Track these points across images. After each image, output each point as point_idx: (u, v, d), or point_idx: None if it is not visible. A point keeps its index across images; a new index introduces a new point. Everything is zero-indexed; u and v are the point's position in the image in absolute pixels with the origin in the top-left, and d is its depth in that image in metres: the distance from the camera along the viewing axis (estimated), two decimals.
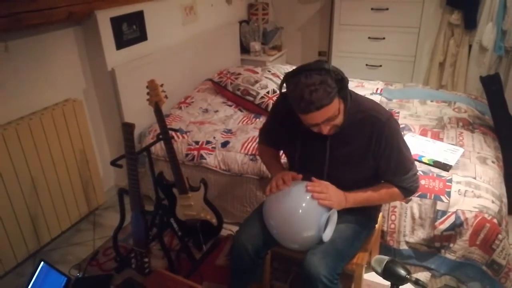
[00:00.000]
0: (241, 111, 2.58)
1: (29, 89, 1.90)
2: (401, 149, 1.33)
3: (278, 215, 1.31)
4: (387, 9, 3.19)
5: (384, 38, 3.28)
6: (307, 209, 1.27)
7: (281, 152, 1.66)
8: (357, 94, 1.37)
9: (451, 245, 1.65)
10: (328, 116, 1.21)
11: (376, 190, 1.38)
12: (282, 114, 1.42)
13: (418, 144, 1.97)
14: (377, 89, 2.72)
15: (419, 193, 1.69)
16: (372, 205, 1.46)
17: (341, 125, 1.29)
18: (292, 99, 1.21)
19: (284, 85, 1.27)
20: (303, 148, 1.39)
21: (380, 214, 1.61)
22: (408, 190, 1.37)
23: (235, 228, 2.08)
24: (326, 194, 1.29)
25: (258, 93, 2.52)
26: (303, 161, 1.41)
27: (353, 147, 1.33)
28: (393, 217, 1.74)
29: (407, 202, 1.72)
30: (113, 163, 1.66)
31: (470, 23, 3.13)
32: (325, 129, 1.25)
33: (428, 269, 1.73)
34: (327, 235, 1.31)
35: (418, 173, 1.39)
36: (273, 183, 1.34)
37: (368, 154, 1.32)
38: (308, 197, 1.28)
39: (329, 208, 1.30)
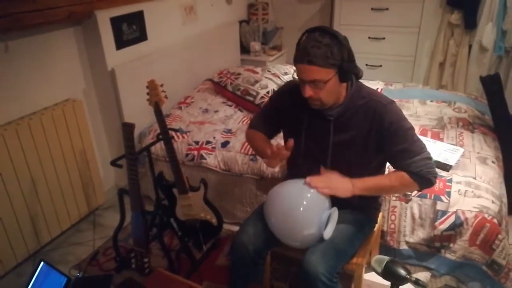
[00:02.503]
0: (241, 111, 2.58)
1: (29, 89, 1.90)
2: (406, 132, 1.29)
3: (279, 213, 1.31)
4: (387, 9, 3.19)
5: (384, 38, 3.27)
6: (308, 207, 1.27)
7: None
8: (361, 83, 1.38)
9: (451, 245, 1.65)
10: (315, 78, 1.22)
11: (386, 176, 1.36)
12: (286, 101, 1.44)
13: None
14: (377, 89, 2.72)
15: (419, 193, 1.69)
16: (384, 193, 1.42)
17: (329, 105, 1.30)
18: (297, 48, 1.26)
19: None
20: (307, 133, 1.39)
21: (380, 214, 1.61)
22: (419, 176, 1.27)
23: (235, 228, 2.08)
24: (325, 183, 1.27)
25: (258, 93, 2.51)
26: (306, 147, 1.40)
27: (355, 131, 1.33)
28: (393, 217, 1.74)
29: (407, 202, 1.71)
30: (113, 163, 1.66)
31: (470, 23, 3.12)
32: (307, 91, 1.25)
33: (428, 269, 1.73)
34: (328, 233, 1.31)
35: (432, 160, 1.31)
36: (273, 161, 1.30)
37: (370, 138, 1.32)
38: (309, 195, 1.28)
39: (330, 206, 1.30)
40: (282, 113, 1.47)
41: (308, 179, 1.28)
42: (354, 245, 1.39)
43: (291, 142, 1.30)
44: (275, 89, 2.54)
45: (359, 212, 1.45)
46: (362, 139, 1.33)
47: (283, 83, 2.56)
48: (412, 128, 1.31)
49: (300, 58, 1.23)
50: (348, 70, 1.25)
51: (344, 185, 1.28)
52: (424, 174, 1.28)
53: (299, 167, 1.42)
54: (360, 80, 1.38)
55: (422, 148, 1.30)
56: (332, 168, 1.36)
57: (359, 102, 1.32)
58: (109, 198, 2.39)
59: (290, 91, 1.45)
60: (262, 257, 1.42)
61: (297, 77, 1.30)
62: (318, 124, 1.37)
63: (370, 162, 1.38)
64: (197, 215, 1.84)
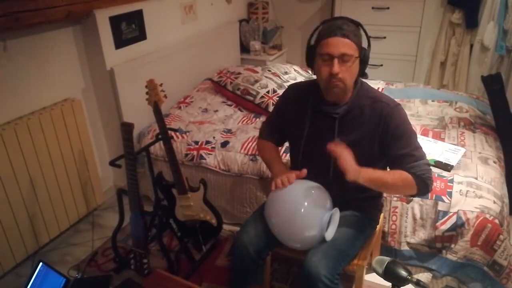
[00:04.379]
0: (241, 110, 2.57)
1: (28, 89, 1.89)
2: (410, 136, 1.30)
3: (280, 214, 1.30)
4: (388, 8, 3.18)
5: (385, 38, 3.27)
6: (309, 208, 1.26)
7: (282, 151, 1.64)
8: (367, 84, 1.39)
9: (452, 245, 1.64)
10: (345, 52, 1.21)
11: (390, 173, 1.34)
12: (288, 104, 1.44)
13: None
14: (378, 88, 2.71)
15: None
16: (385, 189, 1.40)
17: (348, 91, 1.30)
18: (323, 29, 1.26)
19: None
20: (310, 131, 1.38)
21: (381, 215, 1.61)
22: (421, 179, 1.26)
23: (234, 229, 2.08)
24: (347, 155, 1.22)
25: (258, 93, 2.51)
26: (309, 146, 1.39)
27: (361, 132, 1.32)
28: (394, 218, 1.73)
29: (408, 203, 1.71)
30: (112, 163, 1.66)
31: (471, 22, 3.12)
32: (336, 67, 1.22)
33: (429, 270, 1.72)
34: (329, 234, 1.30)
35: (430, 167, 1.32)
36: (278, 179, 1.30)
37: (375, 140, 1.31)
38: (310, 196, 1.27)
39: (332, 207, 1.30)
40: (286, 117, 1.46)
41: (333, 145, 1.23)
42: (355, 246, 1.38)
43: (303, 172, 1.31)
44: (275, 88, 2.53)
45: (360, 213, 1.45)
46: (366, 140, 1.32)
47: (285, 83, 2.58)
48: (415, 134, 1.33)
49: (332, 32, 1.22)
50: (366, 60, 1.27)
51: (355, 167, 1.23)
52: (425, 179, 1.28)
53: (301, 167, 1.40)
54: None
55: (423, 155, 1.31)
56: (335, 169, 1.34)
57: (365, 102, 1.32)
58: (108, 199, 2.39)
59: (292, 93, 1.45)
60: (262, 257, 1.41)
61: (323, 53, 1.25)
62: (323, 122, 1.36)
63: (374, 164, 1.35)
64: (196, 215, 1.84)
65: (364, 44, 1.33)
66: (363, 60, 1.27)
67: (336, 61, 1.22)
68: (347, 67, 1.23)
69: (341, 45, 1.21)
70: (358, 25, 1.26)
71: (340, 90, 1.28)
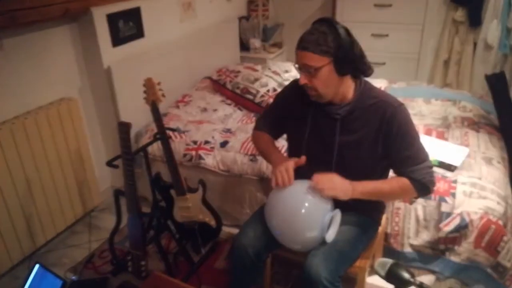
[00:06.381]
0: (240, 110, 2.55)
1: (24, 88, 1.88)
2: (413, 137, 1.29)
3: (280, 215, 1.29)
4: (390, 5, 3.16)
5: (387, 35, 3.25)
6: (310, 209, 1.25)
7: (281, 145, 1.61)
8: (371, 84, 1.37)
9: (456, 247, 1.63)
10: (306, 63, 1.23)
11: (386, 181, 1.35)
12: (291, 99, 1.43)
13: None
14: (381, 87, 2.68)
15: None
16: (384, 199, 1.43)
17: (327, 97, 1.29)
18: None
19: None
20: (312, 131, 1.37)
21: (384, 216, 1.59)
22: (421, 184, 1.27)
23: (234, 231, 2.06)
24: (330, 183, 1.24)
25: (258, 92, 2.49)
26: (310, 147, 1.38)
27: (363, 132, 1.31)
28: (397, 219, 1.71)
29: (411, 204, 1.69)
30: (109, 163, 1.65)
31: (475, 20, 3.09)
32: (302, 78, 1.26)
33: (432, 272, 1.71)
34: (330, 236, 1.29)
35: (433, 169, 1.32)
36: (279, 175, 1.28)
37: (378, 140, 1.30)
38: (311, 197, 1.26)
39: (333, 208, 1.28)
40: (286, 111, 1.45)
41: (315, 179, 1.25)
42: (357, 248, 1.37)
43: (302, 159, 1.31)
44: (276, 87, 2.52)
45: (363, 214, 1.43)
46: (369, 140, 1.31)
47: (285, 81, 2.56)
48: (418, 135, 1.32)
49: (297, 45, 1.25)
50: (344, 62, 1.22)
51: (344, 187, 1.26)
52: (425, 183, 1.28)
53: (302, 168, 1.38)
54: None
55: (426, 156, 1.31)
56: (337, 170, 1.33)
57: (368, 102, 1.30)
58: (105, 199, 2.37)
59: (295, 89, 1.43)
60: (262, 260, 1.40)
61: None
62: (324, 123, 1.35)
63: (376, 165, 1.35)
64: (195, 217, 1.82)
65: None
66: (339, 61, 1.22)
67: (301, 73, 1.26)
68: (313, 76, 1.24)
69: (301, 58, 1.24)
70: (333, 26, 1.20)
71: (316, 97, 1.30)
